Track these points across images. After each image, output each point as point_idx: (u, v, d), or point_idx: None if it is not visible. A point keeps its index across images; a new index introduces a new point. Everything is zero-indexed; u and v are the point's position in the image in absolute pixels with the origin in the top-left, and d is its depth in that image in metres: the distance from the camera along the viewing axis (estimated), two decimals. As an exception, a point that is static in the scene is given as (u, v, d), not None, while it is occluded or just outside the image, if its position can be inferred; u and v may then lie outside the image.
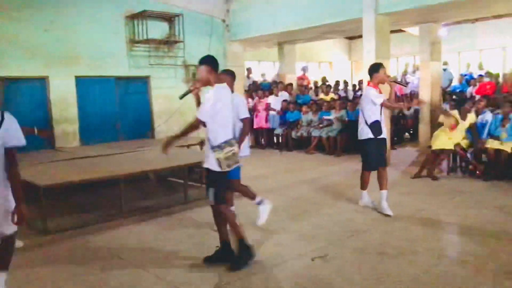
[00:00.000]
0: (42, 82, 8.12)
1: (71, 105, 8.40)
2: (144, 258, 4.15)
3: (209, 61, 3.89)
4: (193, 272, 3.87)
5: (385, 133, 5.46)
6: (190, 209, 5.89)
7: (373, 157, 5.38)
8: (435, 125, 8.89)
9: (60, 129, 8.19)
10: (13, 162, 3.11)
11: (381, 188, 5.44)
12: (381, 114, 5.33)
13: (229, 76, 4.56)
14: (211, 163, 3.78)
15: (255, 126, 11.63)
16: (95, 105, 8.69)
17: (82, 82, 8.52)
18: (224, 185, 3.93)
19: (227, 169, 3.79)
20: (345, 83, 13.91)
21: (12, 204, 3.08)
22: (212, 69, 3.85)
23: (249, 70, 13.54)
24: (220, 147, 3.74)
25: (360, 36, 8.86)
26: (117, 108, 8.95)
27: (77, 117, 8.39)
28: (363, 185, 5.61)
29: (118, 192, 5.59)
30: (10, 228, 3.15)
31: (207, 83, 3.85)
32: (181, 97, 4.07)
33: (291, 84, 12.21)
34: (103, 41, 8.80)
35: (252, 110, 11.57)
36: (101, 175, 5.46)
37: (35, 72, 8.00)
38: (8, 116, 3.11)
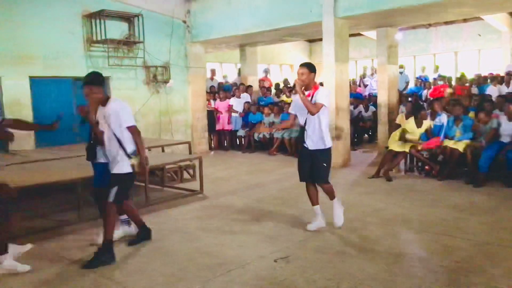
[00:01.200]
0: (-8, 82, 7.76)
1: (25, 106, 8.06)
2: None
3: (95, 80, 4.20)
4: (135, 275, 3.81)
5: (314, 143, 4.61)
6: (152, 212, 5.79)
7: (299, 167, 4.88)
8: (392, 126, 9.18)
9: (13, 131, 7.81)
10: None
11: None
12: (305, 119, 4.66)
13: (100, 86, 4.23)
14: (123, 166, 4.12)
15: (217, 128, 11.61)
16: (51, 107, 8.37)
17: (37, 83, 8.19)
18: (129, 187, 4.32)
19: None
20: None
21: None
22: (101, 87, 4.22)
23: (213, 71, 13.49)
24: (134, 153, 4.18)
25: (320, 39, 9.02)
26: (74, 110, 8.66)
27: (32, 119, 8.05)
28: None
29: (76, 196, 5.41)
30: None
31: (100, 101, 4.20)
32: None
33: (251, 86, 12.26)
34: (59, 40, 8.51)
35: (215, 112, 11.55)
36: (57, 179, 5.27)
37: (-14, 72, 7.64)
38: None
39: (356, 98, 11.69)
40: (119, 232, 4.65)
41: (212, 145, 11.85)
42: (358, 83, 13.96)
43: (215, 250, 4.36)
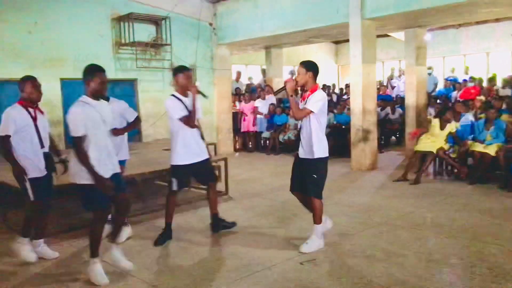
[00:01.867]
0: (26, 84, 7.98)
1: (56, 107, 8.28)
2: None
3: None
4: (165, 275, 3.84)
5: (304, 151, 4.26)
6: (176, 212, 5.83)
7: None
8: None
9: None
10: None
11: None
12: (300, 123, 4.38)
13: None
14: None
15: (242, 130, 11.64)
16: (81, 108, 8.56)
17: (67, 85, 8.40)
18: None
19: None
20: (333, 86, 14.02)
21: None
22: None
23: (238, 73, 13.55)
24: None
25: (347, 41, 8.94)
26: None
27: (62, 119, 8.26)
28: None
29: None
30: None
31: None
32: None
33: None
34: (89, 43, 8.70)
35: (240, 114, 11.60)
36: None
37: (19, 74, 7.75)
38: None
39: (384, 100, 11.53)
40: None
41: (237, 147, 11.89)
42: (385, 85, 13.76)
43: (241, 252, 4.36)
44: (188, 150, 4.56)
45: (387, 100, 11.82)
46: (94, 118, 3.65)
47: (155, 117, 9.51)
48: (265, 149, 11.27)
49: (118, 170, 3.89)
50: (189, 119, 4.49)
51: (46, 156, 4.18)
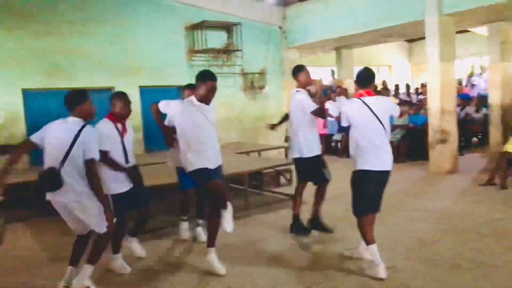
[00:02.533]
0: (109, 93, 8.48)
1: (135, 114, 8.68)
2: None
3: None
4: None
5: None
6: (251, 215, 5.91)
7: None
8: (508, 129, 8.39)
9: (125, 138, 8.52)
10: (91, 173, 3.41)
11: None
12: None
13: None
14: None
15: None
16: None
17: (145, 92, 8.83)
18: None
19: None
20: (407, 86, 13.47)
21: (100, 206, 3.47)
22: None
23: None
24: None
25: (421, 38, 8.55)
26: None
27: (141, 125, 8.70)
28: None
29: (181, 198, 5.68)
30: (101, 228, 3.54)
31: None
32: None
33: (346, 89, 11.98)
34: (165, 52, 9.10)
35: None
36: (166, 181, 5.60)
37: (102, 83, 8.41)
38: (88, 128, 3.46)
39: (463, 99, 10.87)
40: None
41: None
42: (464, 83, 12.98)
43: (318, 257, 4.30)
44: (312, 144, 4.81)
45: (466, 99, 11.14)
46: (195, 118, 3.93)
47: (227, 121, 9.71)
48: (337, 152, 11.07)
49: (220, 163, 4.06)
50: (322, 111, 4.67)
51: (132, 170, 4.13)
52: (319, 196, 5.00)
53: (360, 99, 3.80)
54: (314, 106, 4.66)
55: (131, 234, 4.45)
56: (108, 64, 8.49)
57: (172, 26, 9.22)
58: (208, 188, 3.87)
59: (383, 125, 3.74)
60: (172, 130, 4.27)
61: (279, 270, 4.02)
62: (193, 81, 9.63)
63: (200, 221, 5.00)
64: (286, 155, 9.02)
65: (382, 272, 3.68)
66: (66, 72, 8.12)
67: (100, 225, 3.53)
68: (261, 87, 10.37)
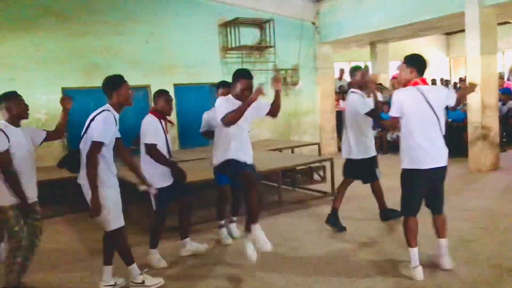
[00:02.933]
0: (144, 90, 8.68)
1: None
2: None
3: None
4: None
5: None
6: (284, 212, 5.89)
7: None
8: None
9: (160, 135, 8.66)
10: (88, 157, 3.31)
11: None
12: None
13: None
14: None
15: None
16: (192, 111, 9.06)
17: (180, 90, 8.95)
18: None
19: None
20: (446, 82, 13.08)
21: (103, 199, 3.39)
22: None
23: (342, 71, 13.27)
24: None
25: (460, 31, 8.27)
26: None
27: (176, 122, 8.82)
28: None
29: (215, 194, 5.72)
30: (106, 226, 3.50)
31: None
32: None
33: (380, 84, 11.75)
34: (198, 49, 9.18)
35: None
36: (201, 178, 5.65)
37: (138, 81, 8.55)
38: (104, 113, 3.41)
39: (505, 93, 10.45)
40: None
41: (341, 147, 11.63)
42: (506, 77, 12.47)
43: (352, 255, 4.25)
44: (363, 146, 4.83)
45: (508, 93, 10.70)
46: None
47: (260, 118, 9.68)
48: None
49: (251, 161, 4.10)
50: (374, 113, 4.65)
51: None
52: (377, 191, 5.15)
53: (416, 87, 3.53)
54: (368, 107, 4.64)
55: (182, 237, 4.47)
56: (143, 63, 8.64)
57: (205, 23, 9.29)
58: (240, 179, 3.84)
59: (437, 116, 3.49)
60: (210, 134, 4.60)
61: (313, 268, 3.99)
62: (226, 79, 9.75)
63: (234, 218, 5.02)
64: (320, 152, 8.97)
65: (419, 275, 3.57)
66: (103, 70, 8.27)
67: (107, 221, 3.46)
68: (294, 83, 10.31)
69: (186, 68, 9.04)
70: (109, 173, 3.45)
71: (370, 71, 13.11)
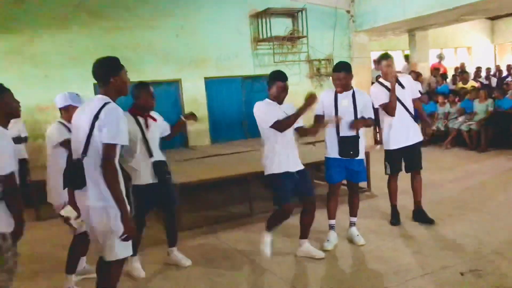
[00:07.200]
0: (175, 84, 8.62)
1: (201, 105, 8.76)
2: (273, 260, 4.02)
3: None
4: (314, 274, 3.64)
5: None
6: (318, 208, 5.65)
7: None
8: None
9: (193, 129, 8.60)
10: (105, 166, 2.61)
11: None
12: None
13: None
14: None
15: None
16: (223, 104, 8.95)
17: (210, 83, 8.83)
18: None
19: None
20: (488, 69, 12.38)
21: (115, 220, 2.64)
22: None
23: (375, 61, 12.80)
24: None
25: (507, 15, 7.69)
26: (243, 107, 9.10)
27: (207, 116, 8.72)
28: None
29: (247, 190, 5.59)
30: (110, 254, 2.73)
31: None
32: None
33: (420, 74, 11.24)
34: (229, 42, 9.01)
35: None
36: (230, 174, 5.52)
37: (169, 76, 8.52)
38: (109, 106, 2.67)
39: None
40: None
41: (378, 139, 11.23)
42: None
43: (388, 256, 3.99)
44: (396, 135, 4.66)
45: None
46: (278, 117, 3.82)
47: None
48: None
49: (301, 167, 3.95)
50: (388, 108, 4.54)
51: (156, 165, 3.81)
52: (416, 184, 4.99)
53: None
54: (381, 101, 4.57)
55: (169, 244, 4.14)
56: (175, 57, 8.56)
57: (236, 15, 9.10)
58: (282, 209, 3.84)
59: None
60: None
61: (346, 270, 3.77)
62: (257, 71, 9.53)
63: (331, 222, 4.55)
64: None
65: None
66: (135, 65, 8.26)
67: (112, 248, 2.71)
68: (328, 74, 9.99)
69: (217, 61, 8.90)
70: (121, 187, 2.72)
71: (404, 62, 12.59)
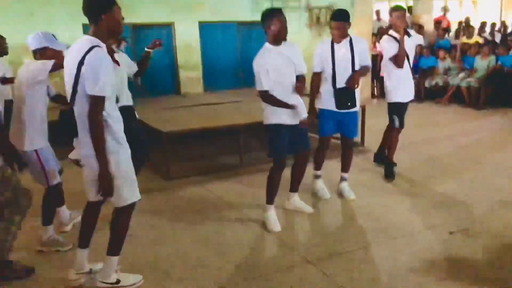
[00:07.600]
0: (168, 28, 8.24)
1: (194, 51, 8.44)
2: (261, 214, 3.94)
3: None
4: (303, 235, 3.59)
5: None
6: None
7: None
8: None
9: (185, 75, 8.34)
10: (90, 115, 2.43)
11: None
12: None
13: None
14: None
15: (381, 74, 10.69)
16: (218, 51, 8.62)
17: (205, 28, 8.45)
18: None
19: None
20: (493, 25, 11.98)
21: (115, 166, 2.54)
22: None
23: (377, 12, 12.33)
24: None
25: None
26: (238, 55, 8.79)
27: (200, 63, 8.43)
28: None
29: (238, 141, 5.45)
30: (118, 200, 2.64)
31: None
32: None
33: (422, 27, 10.87)
34: (227, -16, 8.55)
35: (379, 56, 10.62)
36: (221, 124, 5.37)
37: (161, 19, 8.12)
38: (94, 51, 2.40)
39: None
40: None
41: (375, 93, 11.02)
42: None
43: (379, 212, 3.93)
44: (404, 88, 4.65)
45: None
46: (276, 66, 3.56)
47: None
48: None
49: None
50: (397, 59, 4.48)
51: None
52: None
53: None
54: (391, 53, 4.53)
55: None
56: (168, 0, 8.14)
57: (235, -44, 8.58)
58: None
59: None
60: None
61: (336, 226, 3.72)
62: (255, 17, 9.11)
63: (318, 172, 4.42)
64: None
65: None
66: (126, 7, 7.67)
67: (119, 194, 2.60)
68: (328, 24, 9.61)
69: (212, 5, 8.46)
70: (116, 132, 2.58)
71: (409, 14, 12.14)
